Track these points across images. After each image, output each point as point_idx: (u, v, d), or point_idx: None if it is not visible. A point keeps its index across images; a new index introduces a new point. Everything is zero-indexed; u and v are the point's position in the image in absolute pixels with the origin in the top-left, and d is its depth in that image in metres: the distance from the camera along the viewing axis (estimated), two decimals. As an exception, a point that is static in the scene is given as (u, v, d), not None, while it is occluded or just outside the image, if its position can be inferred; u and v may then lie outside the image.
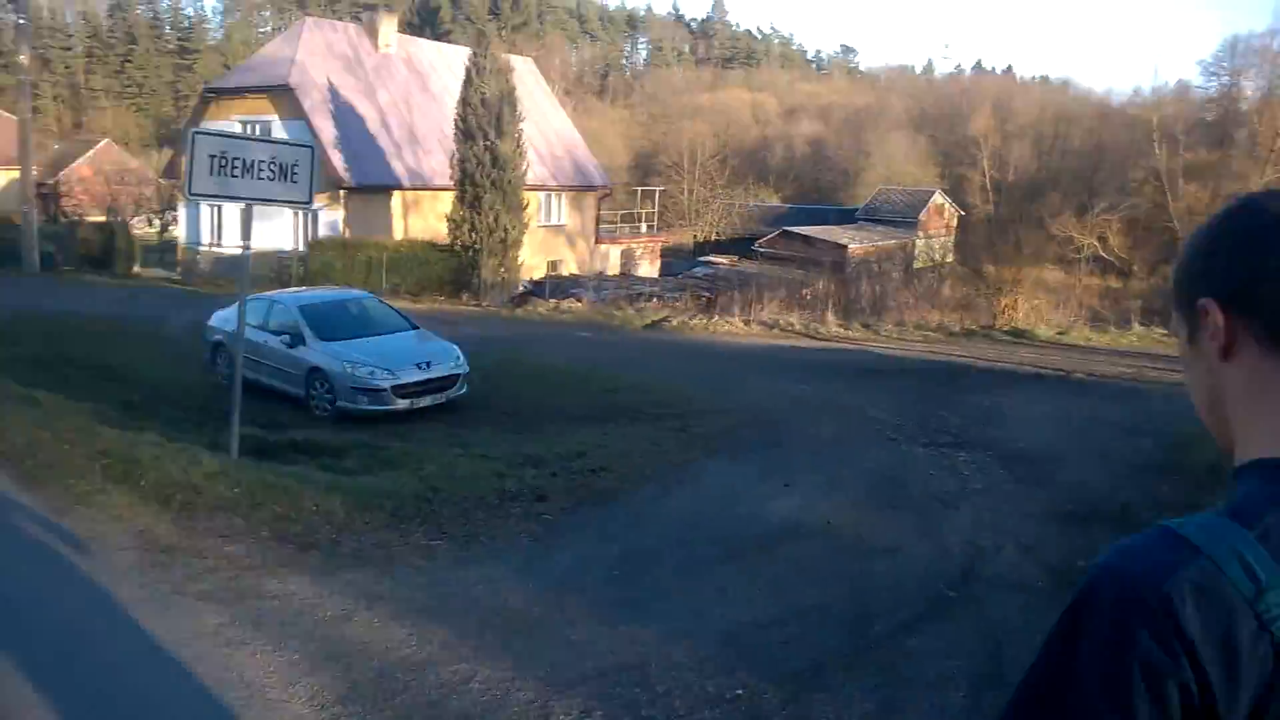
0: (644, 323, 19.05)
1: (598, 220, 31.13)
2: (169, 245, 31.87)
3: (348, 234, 24.20)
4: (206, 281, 23.74)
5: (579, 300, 22.00)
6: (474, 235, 22.06)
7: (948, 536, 6.31)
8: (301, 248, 23.76)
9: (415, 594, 5.13)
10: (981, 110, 58.56)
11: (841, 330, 17.72)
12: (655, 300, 25.25)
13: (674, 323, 18.74)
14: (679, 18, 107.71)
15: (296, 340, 10.80)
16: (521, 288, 24.32)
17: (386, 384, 10.27)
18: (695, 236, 42.22)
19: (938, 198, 41.23)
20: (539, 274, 26.98)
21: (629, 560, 5.76)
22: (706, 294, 27.47)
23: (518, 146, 22.69)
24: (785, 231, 36.18)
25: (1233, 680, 0.71)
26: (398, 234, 25.27)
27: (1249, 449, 0.84)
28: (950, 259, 37.97)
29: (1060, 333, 17.08)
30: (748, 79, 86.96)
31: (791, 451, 8.76)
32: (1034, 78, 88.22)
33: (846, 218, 41.49)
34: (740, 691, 4.06)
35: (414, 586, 5.24)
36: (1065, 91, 72.84)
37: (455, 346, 11.40)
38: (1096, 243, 36.86)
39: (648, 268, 32.84)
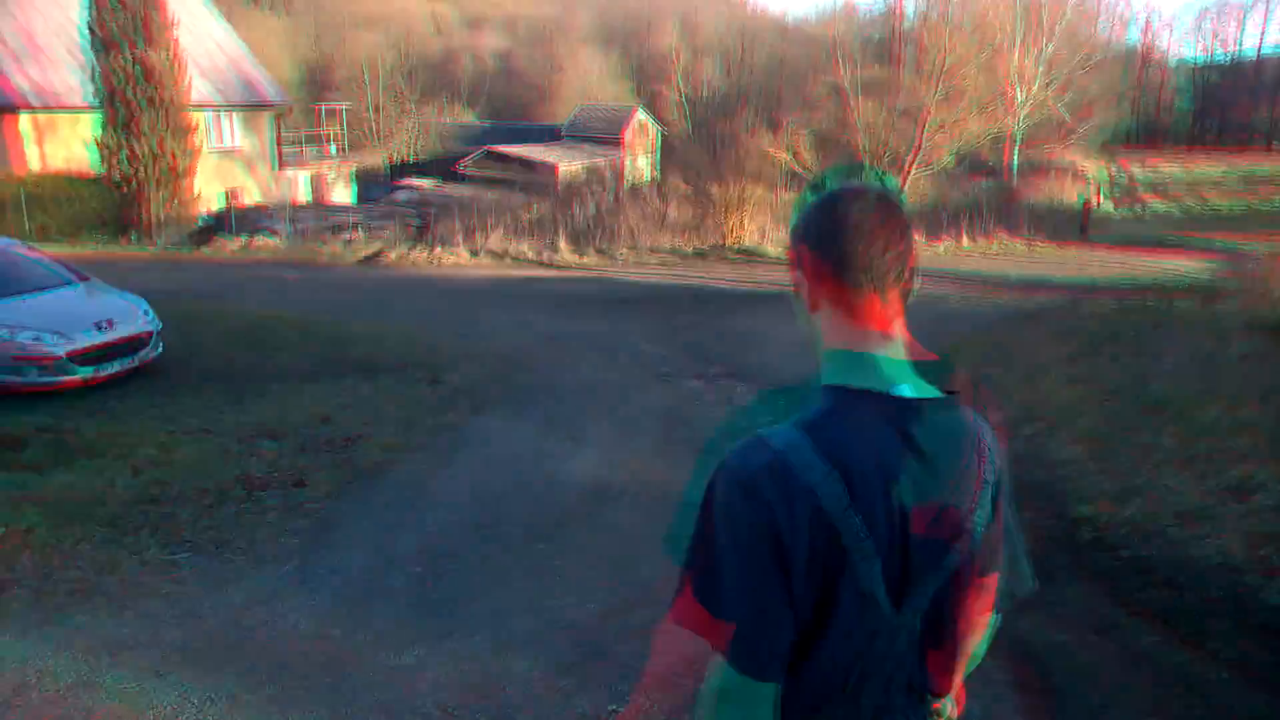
0: (357, 257, 17.42)
1: (279, 143, 27.93)
2: None
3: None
4: None
5: (274, 235, 19.62)
6: (134, 165, 18.81)
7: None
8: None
9: (170, 633, 4.00)
10: (665, 26, 59.81)
11: (576, 258, 17.27)
12: (359, 231, 23.30)
13: (391, 256, 17.31)
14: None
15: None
16: (200, 223, 21.28)
17: (60, 350, 8.23)
18: (389, 159, 39.53)
19: (640, 115, 41.65)
20: (217, 206, 23.75)
21: (428, 554, 4.93)
22: (417, 222, 25.84)
23: (172, 57, 19.39)
24: (489, 151, 34.82)
25: (795, 530, 1.16)
26: (32, 165, 21.01)
27: (828, 347, 1.29)
28: (657, 177, 38.75)
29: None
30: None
31: (566, 399, 8.18)
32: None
33: (549, 136, 40.79)
34: (617, 708, 3.47)
35: (166, 622, 4.10)
36: (744, 7, 76.38)
37: (141, 299, 9.42)
38: (789, 157, 39.21)
39: (342, 193, 30.23)
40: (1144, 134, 59.31)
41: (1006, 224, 21.89)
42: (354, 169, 31.66)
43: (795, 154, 41.78)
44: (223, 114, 25.89)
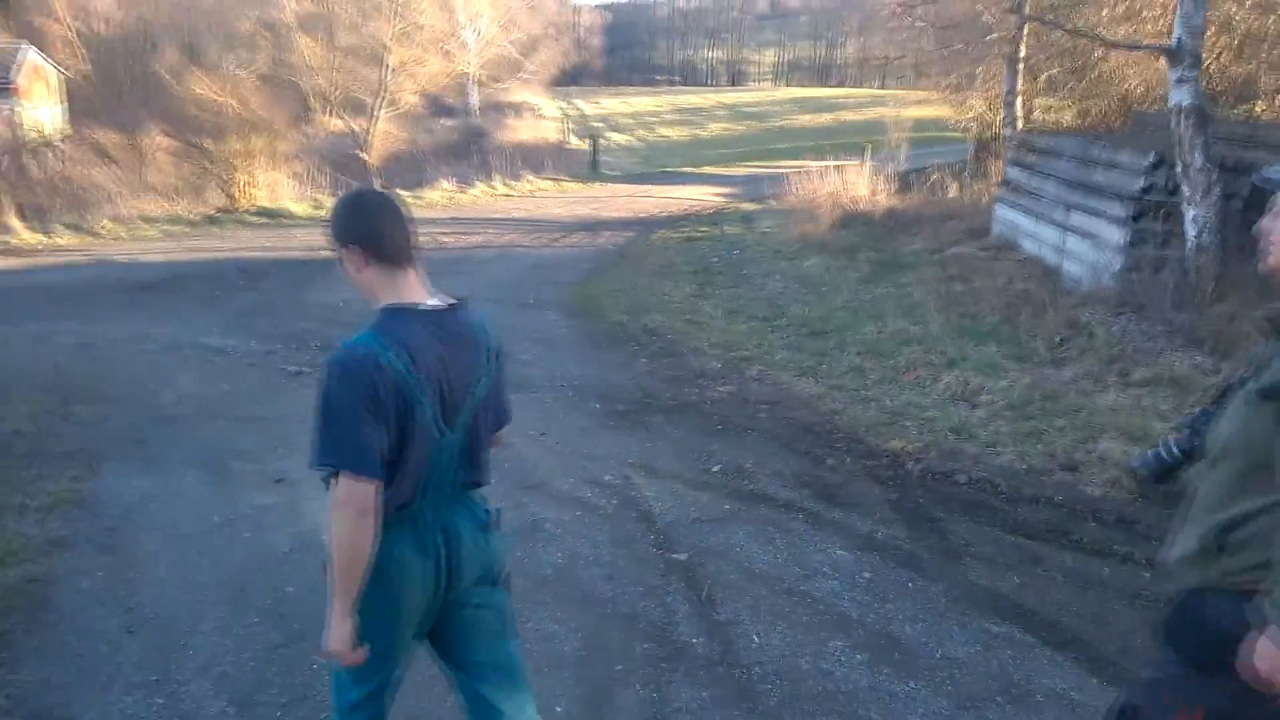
0: None
1: None
2: None
3: None
4: None
5: None
6: None
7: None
8: None
9: None
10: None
11: (44, 238, 13.04)
12: None
13: None
14: None
15: None
16: None
17: None
18: None
19: (34, 56, 33.27)
20: None
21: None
22: None
23: None
24: None
25: (386, 396, 1.87)
26: None
27: (381, 302, 2.02)
28: (67, 130, 31.76)
29: (317, 207, 15.44)
30: None
31: (193, 429, 5.89)
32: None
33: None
34: None
35: None
36: None
37: None
38: (236, 103, 34.71)
39: None
40: (574, 73, 64.55)
41: (531, 167, 21.91)
42: None
43: (242, 101, 37.48)
44: None
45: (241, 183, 15.08)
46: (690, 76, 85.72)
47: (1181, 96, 7.34)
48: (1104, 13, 11.74)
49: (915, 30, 18.14)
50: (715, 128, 40.10)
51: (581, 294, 10.10)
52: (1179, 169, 7.51)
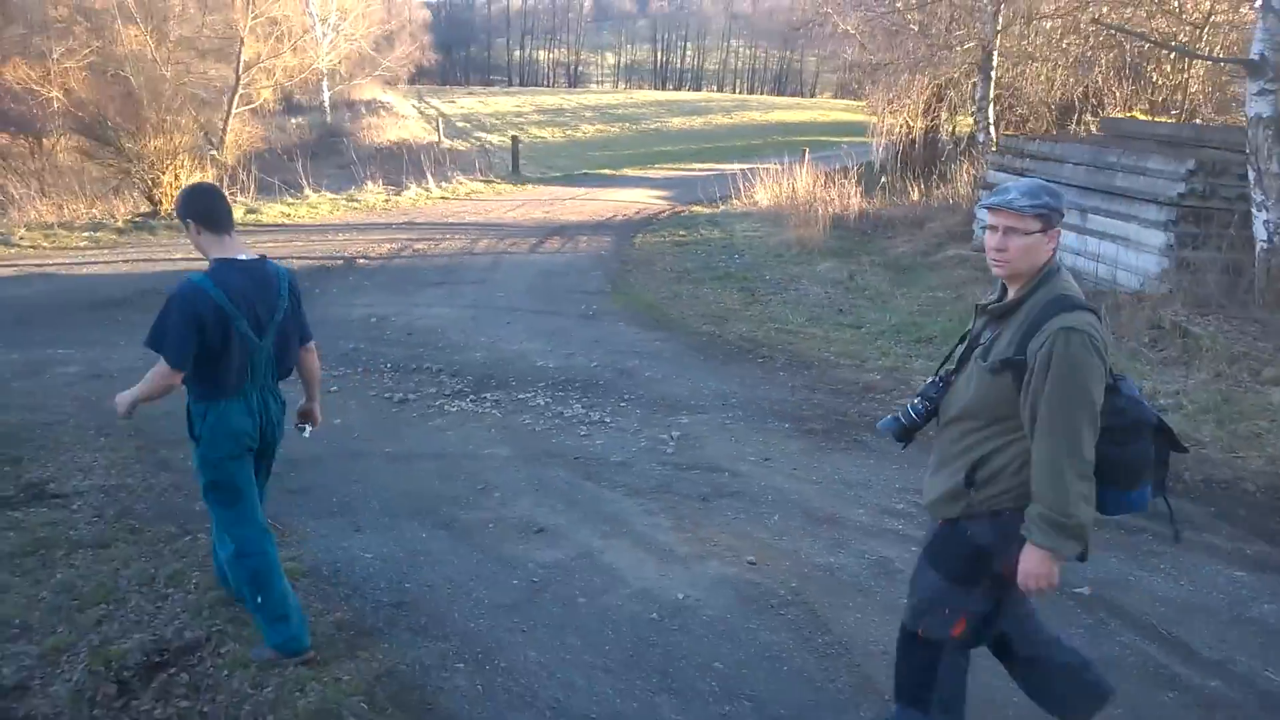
0: None
1: None
2: None
3: None
4: None
5: None
6: None
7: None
8: None
9: None
10: None
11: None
12: None
13: None
14: None
15: None
16: None
17: None
18: None
19: None
20: None
21: None
22: None
23: None
24: None
25: (210, 316, 3.01)
26: None
27: (212, 256, 3.15)
28: None
29: (250, 210, 13.91)
30: None
31: (348, 472, 5.15)
32: None
33: None
34: None
35: None
36: None
37: None
38: (62, 96, 31.27)
39: None
40: (415, 72, 62.32)
41: (459, 167, 20.72)
42: None
43: (69, 92, 33.74)
44: None
45: (166, 184, 13.33)
46: (529, 77, 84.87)
47: (1261, 108, 7.74)
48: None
49: (842, 42, 18.55)
50: (589, 130, 39.60)
51: (627, 303, 9.57)
52: (1253, 175, 7.91)
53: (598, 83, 79.93)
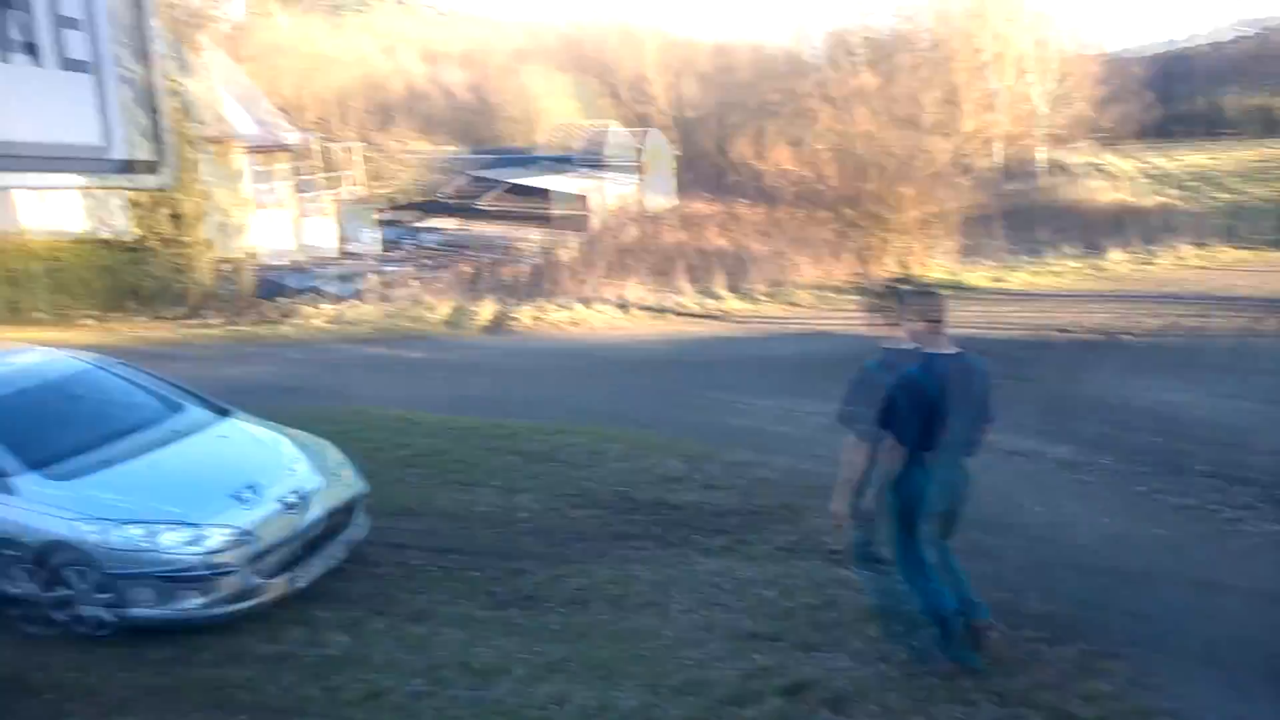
0: (479, 324, 14.01)
1: (298, 188, 24.22)
2: None
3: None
4: None
5: (355, 301, 16.06)
6: (175, 222, 15.15)
7: None
8: None
9: None
10: (638, 49, 57.49)
11: (748, 305, 14.17)
12: (415, 282, 19.93)
13: (523, 320, 13.93)
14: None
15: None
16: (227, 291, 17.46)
17: (233, 554, 4.62)
18: (393, 198, 35.77)
19: (655, 138, 38.67)
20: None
21: None
22: (469, 268, 22.51)
23: (211, 89, 15.90)
24: (514, 186, 31.48)
25: (928, 397, 3.70)
26: (27, 226, 17.06)
27: (925, 349, 3.83)
28: (675, 201, 35.98)
29: (996, 279, 14.98)
30: (367, 26, 78.64)
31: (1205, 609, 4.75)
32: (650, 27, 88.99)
33: (551, 164, 37.49)
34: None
35: None
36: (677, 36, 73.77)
37: (327, 444, 5.64)
38: (810, 173, 36.67)
39: (366, 239, 26.54)
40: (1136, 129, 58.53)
41: (1191, 230, 19.40)
42: (370, 211, 28.00)
43: (815, 169, 39.40)
44: (241, 156, 22.18)
45: (914, 250, 15.08)
46: (1271, 127, 73.18)
47: None
48: None
49: None
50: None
51: None
52: None
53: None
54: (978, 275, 15.37)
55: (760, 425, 8.32)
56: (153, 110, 1.91)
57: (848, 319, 12.73)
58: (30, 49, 1.68)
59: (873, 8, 51.76)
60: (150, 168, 1.93)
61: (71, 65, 1.76)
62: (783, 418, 8.47)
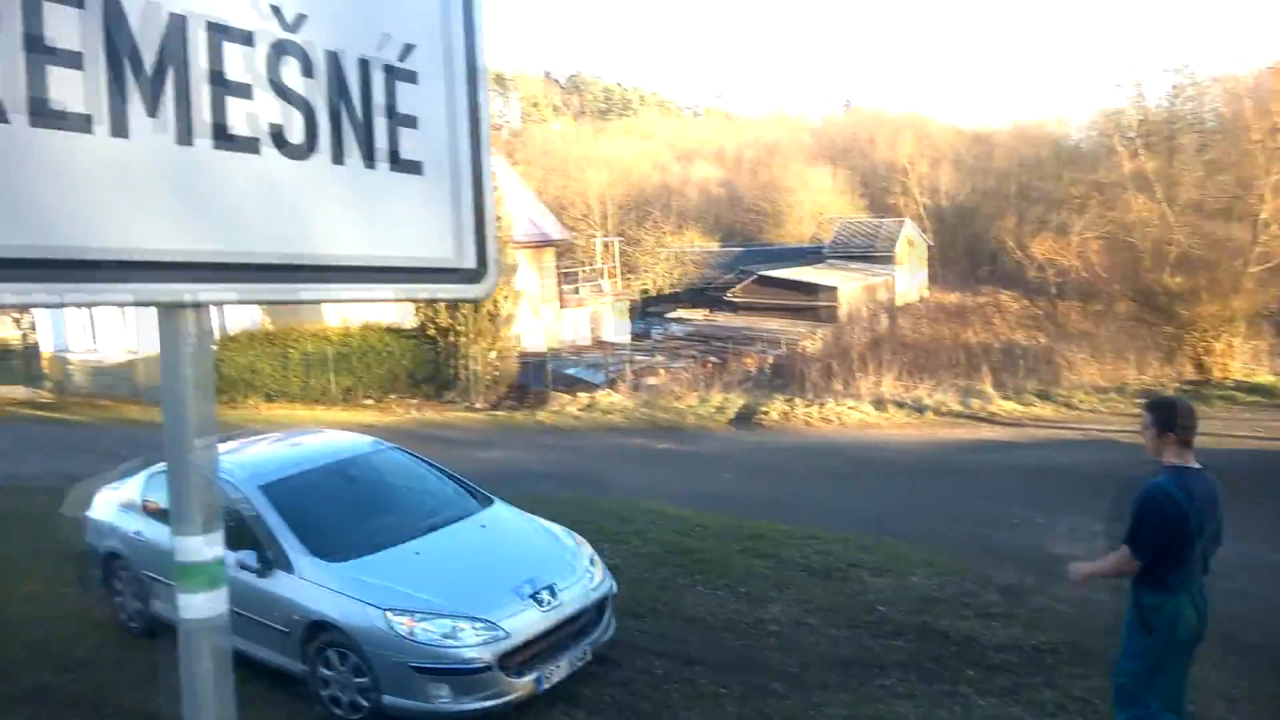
0: (727, 418, 13.88)
1: (560, 281, 25.71)
2: (33, 351, 22.18)
3: (268, 322, 18.00)
4: (84, 402, 17.09)
5: (607, 390, 16.55)
6: (453, 312, 16.41)
7: None
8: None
9: None
10: (893, 138, 56.78)
11: (1018, 406, 13.05)
12: (663, 371, 20.27)
13: (773, 415, 13.63)
14: (548, 74, 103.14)
15: (269, 561, 4.92)
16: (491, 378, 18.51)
17: (485, 650, 4.55)
18: (645, 290, 37.23)
19: (909, 229, 37.72)
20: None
21: None
22: (715, 359, 22.67)
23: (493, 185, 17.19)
24: (762, 277, 31.71)
25: (1173, 517, 3.51)
26: (329, 318, 19.21)
27: (1168, 463, 3.65)
28: (927, 293, 34.61)
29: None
30: (629, 129, 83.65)
31: None
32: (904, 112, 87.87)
33: (805, 256, 37.46)
34: None
35: None
36: (933, 123, 72.04)
37: (580, 539, 5.55)
38: (1079, 262, 34.05)
39: (617, 330, 27.58)
40: None
41: None
42: (624, 304, 29.15)
43: (1082, 258, 36.63)
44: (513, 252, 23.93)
45: (1219, 350, 13.33)
46: None
47: None
48: None
49: None
50: None
51: None
52: None
53: None
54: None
55: (1037, 543, 7.46)
56: (480, 218, 1.92)
57: (1135, 426, 11.29)
58: (415, 167, 1.78)
59: (1147, 87, 47.41)
60: (474, 276, 1.92)
61: (433, 180, 1.83)
62: (1065, 537, 7.55)
